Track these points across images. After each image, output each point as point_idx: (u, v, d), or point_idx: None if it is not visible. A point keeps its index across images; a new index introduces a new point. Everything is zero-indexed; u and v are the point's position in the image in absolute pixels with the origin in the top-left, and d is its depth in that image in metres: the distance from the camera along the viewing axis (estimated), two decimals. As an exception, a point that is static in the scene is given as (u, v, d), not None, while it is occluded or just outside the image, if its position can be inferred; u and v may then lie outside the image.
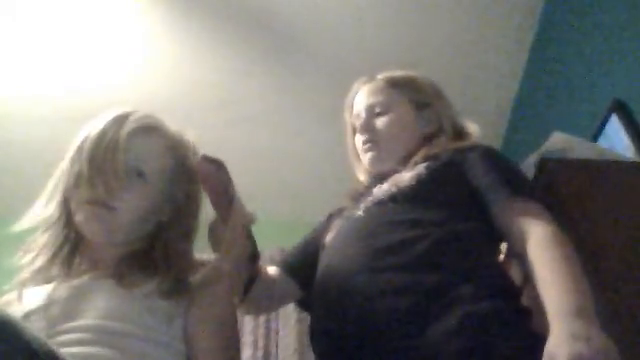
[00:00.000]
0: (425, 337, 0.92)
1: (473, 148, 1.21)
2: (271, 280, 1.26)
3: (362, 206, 1.17)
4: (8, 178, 3.08)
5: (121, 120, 1.09)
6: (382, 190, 1.17)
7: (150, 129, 1.12)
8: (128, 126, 1.08)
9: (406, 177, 1.16)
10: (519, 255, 1.04)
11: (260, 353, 2.91)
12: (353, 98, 1.37)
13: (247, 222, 1.09)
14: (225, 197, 1.05)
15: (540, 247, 0.98)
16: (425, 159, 1.20)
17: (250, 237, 1.12)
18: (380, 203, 1.14)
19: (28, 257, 1.10)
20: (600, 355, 0.80)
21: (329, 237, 1.22)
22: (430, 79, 1.39)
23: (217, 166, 1.05)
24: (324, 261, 1.16)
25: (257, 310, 1.42)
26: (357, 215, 1.16)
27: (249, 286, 1.14)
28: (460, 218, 1.08)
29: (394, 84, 1.34)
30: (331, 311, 1.05)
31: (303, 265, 1.25)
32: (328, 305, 1.07)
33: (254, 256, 1.15)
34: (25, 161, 2.98)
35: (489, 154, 1.19)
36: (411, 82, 1.36)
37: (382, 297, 0.98)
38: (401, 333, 0.94)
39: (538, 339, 0.91)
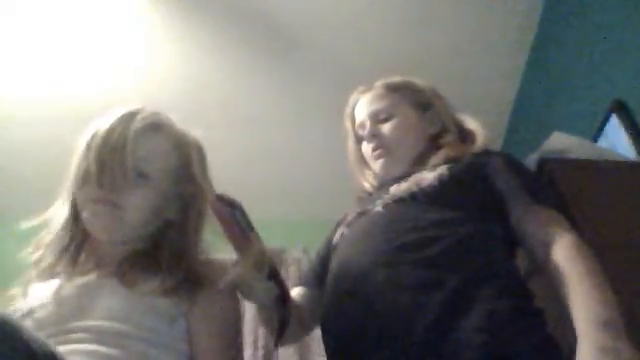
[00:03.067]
0: (448, 333, 0.93)
1: (494, 153, 1.22)
2: (301, 306, 1.22)
3: (380, 202, 1.17)
4: (8, 178, 3.08)
5: (129, 118, 1.09)
6: (401, 189, 1.18)
7: (157, 128, 1.12)
8: (135, 125, 1.08)
9: (428, 177, 1.17)
10: (539, 262, 1.05)
11: (260, 353, 2.91)
12: (353, 108, 1.38)
13: (264, 260, 1.01)
14: (242, 236, 0.99)
15: (566, 258, 0.99)
16: (445, 161, 1.21)
17: (276, 278, 1.04)
18: (401, 201, 1.14)
19: (35, 255, 1.11)
20: None
21: (342, 232, 1.21)
22: (427, 81, 1.40)
23: (231, 206, 0.99)
24: (340, 255, 1.15)
25: (298, 340, 1.39)
26: (376, 211, 1.16)
27: (282, 329, 1.08)
28: (480, 220, 1.09)
29: (394, 89, 1.35)
30: (348, 304, 1.05)
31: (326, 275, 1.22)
32: (345, 299, 1.06)
33: (284, 298, 1.06)
34: (25, 161, 2.98)
35: (511, 161, 1.20)
36: (410, 85, 1.37)
37: (404, 292, 0.99)
38: (423, 328, 0.94)
39: (553, 339, 0.94)
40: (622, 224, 1.21)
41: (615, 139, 1.81)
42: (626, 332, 0.87)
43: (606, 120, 1.87)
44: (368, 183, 1.35)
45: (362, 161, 1.36)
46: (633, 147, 1.72)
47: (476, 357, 0.90)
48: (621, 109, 1.81)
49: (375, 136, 1.30)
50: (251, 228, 0.99)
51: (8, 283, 1.15)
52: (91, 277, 1.07)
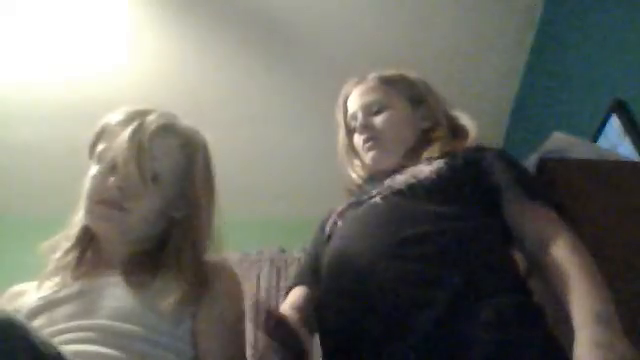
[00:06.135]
0: (455, 330, 0.93)
1: (488, 149, 1.22)
2: (308, 315, 1.17)
3: (376, 193, 1.16)
4: (8, 178, 3.08)
5: (140, 122, 1.10)
6: (398, 181, 1.17)
7: (165, 129, 1.13)
8: (147, 129, 1.09)
9: (425, 170, 1.16)
10: (535, 259, 1.05)
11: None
12: (345, 100, 1.38)
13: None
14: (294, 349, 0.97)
15: (562, 256, 0.99)
16: (441, 155, 1.21)
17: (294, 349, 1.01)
18: (399, 193, 1.14)
19: (48, 254, 1.11)
20: None
21: (334, 221, 1.20)
22: (420, 76, 1.39)
23: (282, 324, 0.97)
24: (336, 248, 1.14)
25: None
26: (373, 202, 1.15)
27: None
28: (479, 214, 1.09)
29: (387, 82, 1.35)
30: (348, 300, 1.04)
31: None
32: (344, 294, 1.05)
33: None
34: (25, 161, 2.98)
35: (505, 156, 1.20)
36: (403, 79, 1.37)
37: (407, 287, 0.98)
38: (429, 325, 0.94)
39: (554, 335, 0.94)
40: (622, 224, 1.21)
41: (615, 139, 1.81)
42: (623, 329, 0.87)
43: (606, 120, 1.87)
44: (356, 174, 1.34)
45: (352, 152, 1.36)
46: (633, 147, 1.72)
47: (485, 353, 0.90)
48: (621, 109, 1.81)
49: (367, 128, 1.30)
50: (299, 342, 0.98)
51: (8, 281, 1.15)
52: (97, 276, 1.07)
